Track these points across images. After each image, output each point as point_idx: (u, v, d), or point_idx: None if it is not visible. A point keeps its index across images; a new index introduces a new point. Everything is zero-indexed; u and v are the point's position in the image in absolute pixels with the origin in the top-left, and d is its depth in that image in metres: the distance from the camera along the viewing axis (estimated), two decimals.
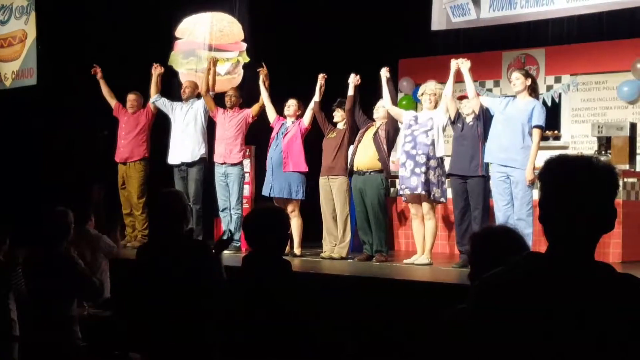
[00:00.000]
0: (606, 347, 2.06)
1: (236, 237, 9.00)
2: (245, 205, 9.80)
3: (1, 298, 5.24)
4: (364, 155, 8.60)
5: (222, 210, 9.59)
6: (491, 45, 10.77)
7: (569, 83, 10.79)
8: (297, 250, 9.05)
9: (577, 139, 10.64)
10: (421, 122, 8.31)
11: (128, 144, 10.00)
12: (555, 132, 10.62)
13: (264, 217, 3.94)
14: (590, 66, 10.60)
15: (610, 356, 2.07)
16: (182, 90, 9.99)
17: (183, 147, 9.70)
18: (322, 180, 8.97)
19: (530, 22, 8.98)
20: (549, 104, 10.84)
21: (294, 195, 9.04)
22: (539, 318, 2.10)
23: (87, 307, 6.50)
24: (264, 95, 9.42)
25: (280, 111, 9.38)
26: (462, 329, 2.36)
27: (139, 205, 9.88)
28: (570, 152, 9.55)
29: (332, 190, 8.86)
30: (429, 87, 8.43)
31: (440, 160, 8.26)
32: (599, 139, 9.43)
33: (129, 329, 5.81)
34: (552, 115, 10.80)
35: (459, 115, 8.13)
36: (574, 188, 2.17)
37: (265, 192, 9.14)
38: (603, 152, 9.16)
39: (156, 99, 9.95)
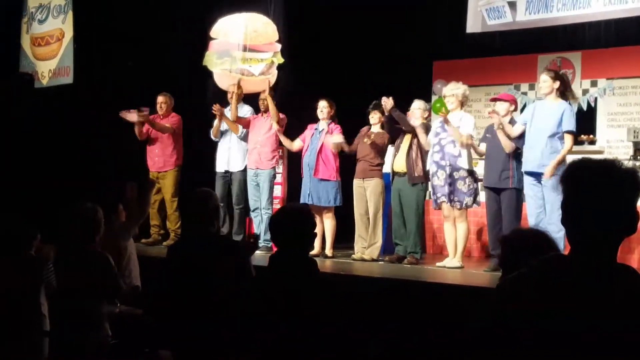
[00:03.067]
0: (627, 348, 2.05)
1: (267, 237, 9.04)
2: (277, 206, 9.82)
3: (32, 293, 5.30)
4: (403, 158, 8.58)
5: (254, 210, 9.64)
6: (527, 48, 10.71)
7: (605, 87, 10.70)
8: (328, 251, 9.06)
9: (613, 143, 10.54)
10: (449, 129, 8.27)
11: (161, 154, 10.03)
12: (591, 136, 10.53)
13: (290, 217, 3.95)
14: (626, 70, 10.51)
15: (631, 358, 2.05)
16: (229, 96, 9.94)
17: (231, 155, 9.78)
18: (357, 182, 8.99)
19: (567, 25, 8.89)
20: (585, 108, 10.76)
21: (332, 203, 9.08)
22: (560, 319, 2.10)
23: (119, 304, 6.53)
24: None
25: (312, 116, 9.36)
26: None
27: (173, 203, 9.92)
28: (605, 157, 9.46)
29: (366, 192, 8.85)
30: (447, 90, 8.42)
31: (470, 170, 8.22)
32: (635, 143, 9.34)
33: (158, 326, 5.83)
34: (588, 119, 10.73)
35: (488, 129, 8.12)
36: (595, 191, 2.16)
37: (303, 199, 9.15)
38: (638, 157, 9.07)
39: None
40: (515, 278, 2.25)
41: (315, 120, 9.37)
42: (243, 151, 9.80)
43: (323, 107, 9.24)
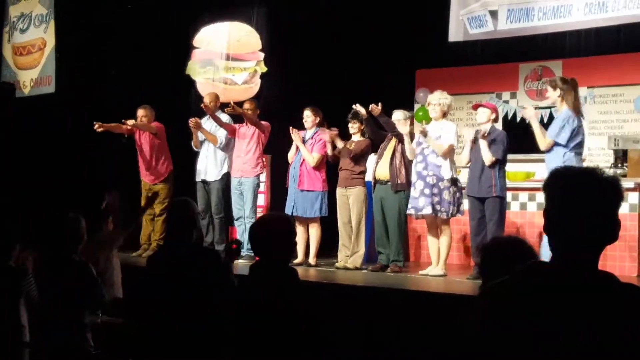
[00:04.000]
0: (608, 356, 2.06)
1: (250, 245, 9.01)
2: (260, 215, 9.80)
3: (12, 304, 5.25)
4: (386, 165, 8.60)
5: (237, 219, 9.62)
6: (508, 56, 10.76)
7: (586, 95, 10.73)
8: (312, 260, 9.05)
9: (594, 151, 10.58)
10: (431, 142, 8.26)
11: (151, 166, 9.97)
12: None
13: (269, 226, 3.94)
14: (607, 79, 10.56)
15: None
16: (203, 105, 9.85)
17: (208, 165, 9.75)
18: (340, 190, 9.00)
19: (548, 34, 8.94)
20: None
21: (316, 214, 9.09)
22: (541, 327, 2.10)
23: (100, 314, 6.49)
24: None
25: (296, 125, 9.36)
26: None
27: (163, 214, 9.77)
28: (587, 164, 9.50)
29: (349, 200, 8.87)
30: (433, 98, 8.43)
31: (454, 179, 8.24)
32: (616, 151, 9.37)
33: (139, 335, 5.81)
34: None
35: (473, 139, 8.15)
36: (577, 199, 2.18)
37: (287, 210, 9.12)
38: (619, 165, 9.10)
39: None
40: (499, 285, 2.25)
41: (302, 128, 9.37)
42: (220, 161, 9.75)
43: (307, 117, 9.24)
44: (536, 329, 2.11)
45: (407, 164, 8.52)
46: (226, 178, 9.72)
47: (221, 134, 9.71)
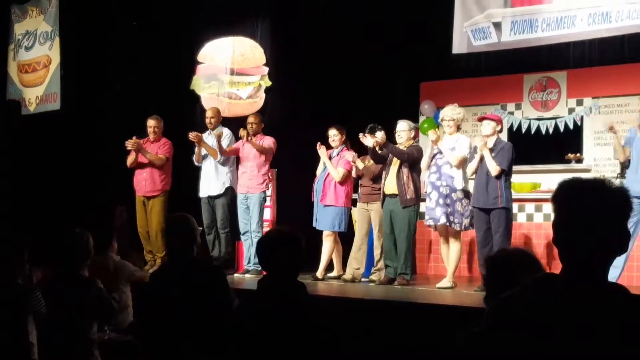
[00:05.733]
0: None
1: (257, 260, 9.04)
2: (267, 229, 9.78)
3: (20, 321, 5.25)
4: (394, 180, 8.62)
5: (244, 234, 9.60)
6: (512, 68, 10.75)
7: (591, 106, 10.74)
8: (320, 274, 9.04)
9: (600, 162, 10.56)
10: (444, 151, 8.29)
11: (149, 179, 9.88)
12: (578, 155, 10.57)
13: (277, 240, 3.93)
14: (612, 89, 10.55)
15: None
16: (207, 121, 9.85)
17: (211, 179, 9.73)
18: (360, 205, 9.10)
19: (552, 45, 8.95)
20: (571, 127, 10.80)
21: (335, 228, 9.13)
22: (552, 339, 2.10)
23: (108, 331, 6.50)
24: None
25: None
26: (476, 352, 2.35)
27: (158, 230, 9.72)
28: (593, 175, 9.50)
29: (371, 214, 8.94)
30: (446, 114, 8.43)
31: (466, 191, 8.26)
32: (621, 162, 9.37)
33: (145, 351, 5.81)
34: (574, 138, 10.78)
35: (476, 149, 8.16)
36: (586, 210, 2.17)
37: (314, 224, 9.23)
38: (625, 176, 9.09)
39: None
40: (509, 297, 2.25)
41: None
42: (223, 175, 9.71)
43: (334, 136, 9.25)
44: (546, 340, 2.10)
45: (415, 179, 8.53)
46: (230, 192, 9.70)
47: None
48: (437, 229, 8.41)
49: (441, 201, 8.21)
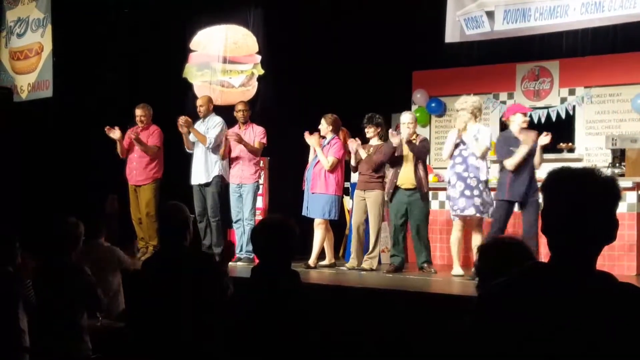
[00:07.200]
0: (606, 355, 2.06)
1: (249, 248, 9.06)
2: (259, 217, 9.78)
3: (11, 309, 5.26)
4: (411, 173, 8.65)
5: (236, 222, 9.60)
6: (505, 57, 10.75)
7: (583, 95, 10.76)
8: (312, 262, 9.05)
9: (592, 151, 10.59)
10: (468, 142, 8.28)
11: (140, 167, 9.88)
12: (570, 144, 10.59)
13: (271, 229, 3.94)
14: (604, 78, 10.57)
15: None
16: (197, 110, 9.84)
17: (200, 167, 9.71)
18: (358, 193, 9.09)
19: (544, 34, 8.94)
20: (563, 116, 10.82)
21: (325, 216, 9.14)
22: (541, 327, 2.11)
23: (100, 318, 6.51)
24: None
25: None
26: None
27: (150, 218, 9.75)
28: (584, 164, 9.51)
29: (367, 202, 8.92)
30: (459, 105, 8.40)
31: (487, 181, 8.32)
32: (613, 151, 9.40)
33: (136, 339, 5.83)
34: (566, 127, 10.79)
35: (512, 142, 8.07)
36: (575, 199, 2.18)
37: (303, 212, 9.24)
38: (617, 165, 9.12)
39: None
40: (495, 287, 2.26)
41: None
42: (211, 163, 9.68)
43: (321, 126, 9.25)
44: (535, 329, 2.11)
45: (425, 171, 8.72)
46: (220, 180, 9.68)
47: (212, 135, 9.65)
48: (461, 219, 8.36)
49: (467, 192, 8.21)
